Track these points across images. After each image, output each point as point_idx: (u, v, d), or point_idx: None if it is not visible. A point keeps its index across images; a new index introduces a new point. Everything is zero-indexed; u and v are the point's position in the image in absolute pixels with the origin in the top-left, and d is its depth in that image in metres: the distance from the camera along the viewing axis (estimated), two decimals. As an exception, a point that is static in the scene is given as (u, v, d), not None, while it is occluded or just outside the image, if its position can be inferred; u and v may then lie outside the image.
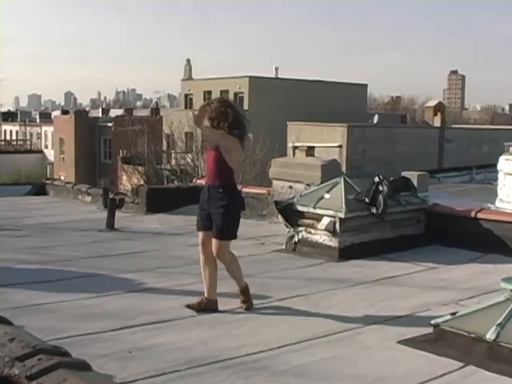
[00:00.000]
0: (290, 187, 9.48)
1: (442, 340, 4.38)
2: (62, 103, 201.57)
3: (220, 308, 5.21)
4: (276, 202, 7.99)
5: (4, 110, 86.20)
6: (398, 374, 4.01)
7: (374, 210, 7.33)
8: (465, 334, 4.25)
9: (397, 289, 5.98)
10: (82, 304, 5.36)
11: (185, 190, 11.57)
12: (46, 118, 67.26)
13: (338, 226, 7.21)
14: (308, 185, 9.03)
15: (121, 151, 37.26)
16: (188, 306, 5.14)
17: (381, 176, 7.61)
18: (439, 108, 32.03)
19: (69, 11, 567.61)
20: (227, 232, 5.06)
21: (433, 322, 4.50)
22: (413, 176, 8.94)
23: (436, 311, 5.09)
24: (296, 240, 7.59)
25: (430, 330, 4.51)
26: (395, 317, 5.09)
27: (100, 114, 60.33)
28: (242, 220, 5.27)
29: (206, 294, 5.19)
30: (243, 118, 5.15)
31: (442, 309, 5.16)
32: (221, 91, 41.40)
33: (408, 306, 5.38)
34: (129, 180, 28.09)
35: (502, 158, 10.64)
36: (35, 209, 11.28)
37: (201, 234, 5.21)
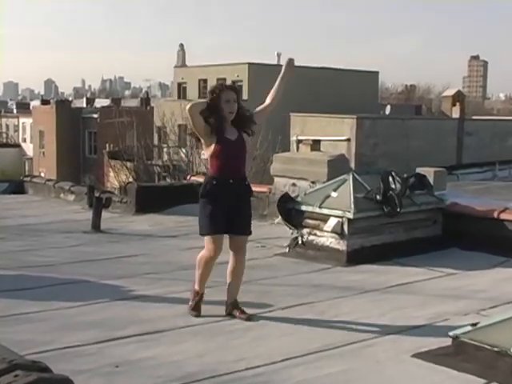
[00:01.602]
0: (294, 185, 9.48)
1: (461, 353, 4.37)
2: (42, 92, 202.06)
3: (217, 317, 5.22)
4: (279, 201, 7.97)
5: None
6: (413, 391, 4.00)
7: (386, 208, 7.31)
8: (487, 347, 4.24)
9: (411, 297, 5.97)
10: (64, 314, 5.35)
11: (178, 188, 11.56)
12: (23, 108, 67.25)
13: (346, 227, 7.20)
14: (313, 182, 9.03)
15: (107, 145, 37.25)
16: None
17: (393, 172, 7.60)
18: (458, 97, 31.98)
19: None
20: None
21: (451, 333, 4.49)
22: (429, 173, 8.94)
23: (455, 322, 5.08)
24: (300, 243, 7.58)
25: (449, 342, 4.50)
26: (409, 327, 5.08)
27: (84, 105, 60.36)
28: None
29: (202, 290, 5.31)
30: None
31: (462, 319, 5.15)
32: (217, 79, 41.41)
33: (424, 315, 5.37)
34: (116, 177, 28.06)
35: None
36: (12, 209, 11.27)
37: (220, 236, 5.20)
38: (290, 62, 5.44)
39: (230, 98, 5.10)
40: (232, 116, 5.13)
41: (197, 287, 5.31)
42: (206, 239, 5.18)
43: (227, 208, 5.12)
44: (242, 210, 5.21)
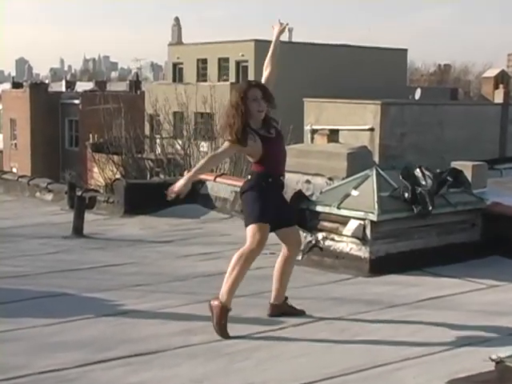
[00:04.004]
0: (308, 182, 9.48)
1: (506, 381, 4.35)
2: (13, 73, 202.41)
3: (218, 336, 5.22)
4: (290, 200, 7.96)
5: None
6: (448, 423, 4.00)
7: (416, 209, 7.29)
8: (537, 373, 4.22)
9: (446, 313, 5.97)
10: (40, 332, 5.36)
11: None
12: (-9, 92, 67.33)
13: (368, 231, 7.20)
14: (330, 179, 9.03)
15: (91, 136, 37.33)
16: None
17: (423, 167, 7.59)
18: (502, 79, 32.00)
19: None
20: None
21: (494, 356, 4.47)
22: (466, 167, 8.91)
23: (498, 342, 5.07)
24: (315, 248, 7.58)
25: (491, 366, 4.48)
26: (444, 349, 5.07)
27: (63, 88, 60.44)
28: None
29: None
30: None
31: (506, 340, 5.15)
32: (219, 59, 41.46)
33: (461, 335, 5.37)
34: (101, 173, 28.09)
35: None
36: (-19, 210, 11.31)
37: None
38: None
39: (257, 96, 5.30)
40: (262, 115, 5.35)
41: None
42: (253, 228, 5.31)
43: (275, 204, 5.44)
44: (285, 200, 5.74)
